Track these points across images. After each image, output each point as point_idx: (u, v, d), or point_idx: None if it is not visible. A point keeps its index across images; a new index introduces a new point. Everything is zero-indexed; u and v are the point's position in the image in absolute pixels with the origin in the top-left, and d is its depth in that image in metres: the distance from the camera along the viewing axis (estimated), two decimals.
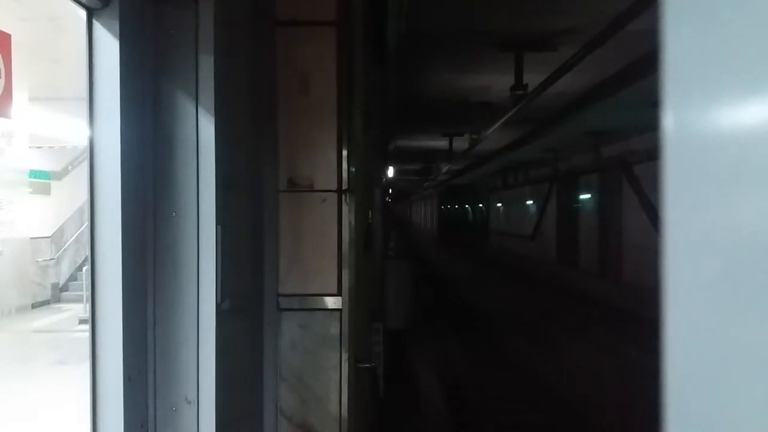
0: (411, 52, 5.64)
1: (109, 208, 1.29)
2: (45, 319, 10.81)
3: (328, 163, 2.00)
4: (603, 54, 4.42)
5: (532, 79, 5.78)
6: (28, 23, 6.10)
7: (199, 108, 1.42)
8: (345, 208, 2.01)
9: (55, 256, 12.56)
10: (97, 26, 1.28)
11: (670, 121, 0.43)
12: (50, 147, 11.40)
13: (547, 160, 15.48)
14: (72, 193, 11.98)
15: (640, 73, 4.74)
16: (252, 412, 1.90)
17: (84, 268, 10.36)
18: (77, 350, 6.98)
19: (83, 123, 1.29)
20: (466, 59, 6.47)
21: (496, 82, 7.12)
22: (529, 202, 20.25)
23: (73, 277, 12.59)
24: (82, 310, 9.67)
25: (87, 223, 1.30)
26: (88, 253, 1.30)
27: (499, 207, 25.90)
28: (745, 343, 0.37)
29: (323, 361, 1.99)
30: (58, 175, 12.37)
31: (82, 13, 1.28)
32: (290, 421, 1.98)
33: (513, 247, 21.84)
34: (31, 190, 10.37)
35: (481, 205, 29.91)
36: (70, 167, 12.46)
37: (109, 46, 1.28)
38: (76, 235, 12.72)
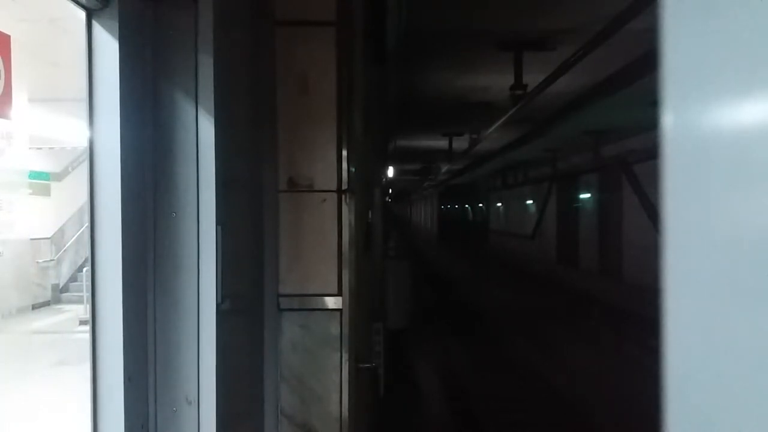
0: (411, 51, 5.64)
1: (109, 208, 1.29)
2: (45, 320, 10.81)
3: (328, 163, 1.99)
4: (603, 54, 4.42)
5: (532, 78, 5.78)
6: (28, 24, 6.09)
7: (199, 108, 1.42)
8: (345, 208, 2.01)
9: (56, 257, 12.55)
10: (97, 27, 1.28)
11: (669, 120, 0.43)
12: (50, 148, 11.39)
13: (546, 160, 15.48)
14: (72, 194, 11.97)
15: (640, 73, 4.74)
16: (252, 412, 1.90)
17: (84, 269, 10.35)
18: (77, 351, 6.98)
19: (83, 124, 1.29)
20: (465, 59, 6.47)
21: (496, 81, 7.12)
22: (529, 202, 20.24)
23: (73, 278, 12.58)
24: (83, 311, 9.66)
25: (87, 224, 1.30)
26: (88, 253, 1.30)
27: (499, 207, 25.89)
28: (746, 342, 0.37)
29: (324, 361, 1.99)
30: (58, 176, 12.35)
31: (82, 14, 1.28)
32: (291, 421, 1.98)
33: (513, 247, 21.84)
34: (31, 191, 10.37)
35: (481, 204, 29.90)
36: (70, 168, 12.44)
37: (108, 46, 1.28)
38: (76, 236, 12.71)
